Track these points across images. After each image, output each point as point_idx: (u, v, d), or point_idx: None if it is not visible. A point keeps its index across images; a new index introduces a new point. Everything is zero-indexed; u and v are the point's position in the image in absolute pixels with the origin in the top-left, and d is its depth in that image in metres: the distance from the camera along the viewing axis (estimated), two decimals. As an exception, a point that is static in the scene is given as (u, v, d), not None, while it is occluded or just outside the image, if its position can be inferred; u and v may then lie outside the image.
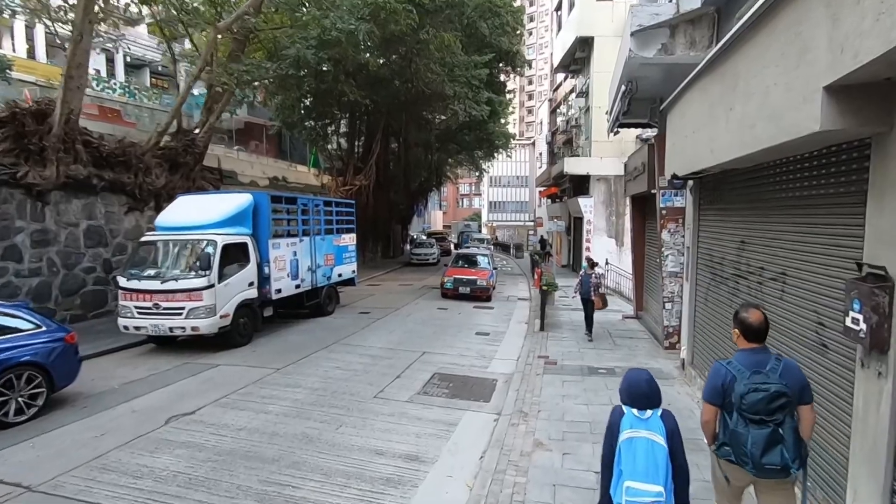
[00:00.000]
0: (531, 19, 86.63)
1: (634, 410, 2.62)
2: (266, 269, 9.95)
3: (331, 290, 12.84)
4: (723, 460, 2.87)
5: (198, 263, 8.41)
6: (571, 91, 28.62)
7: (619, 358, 8.56)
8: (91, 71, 23.23)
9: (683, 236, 8.65)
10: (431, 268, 26.88)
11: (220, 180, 15.16)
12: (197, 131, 13.44)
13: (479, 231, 55.57)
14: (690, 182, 7.92)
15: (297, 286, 11.08)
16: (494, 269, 16.70)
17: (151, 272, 8.73)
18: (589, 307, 10.17)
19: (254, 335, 9.77)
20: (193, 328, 8.45)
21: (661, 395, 2.70)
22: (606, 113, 12.27)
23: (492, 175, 74.46)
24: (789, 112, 3.28)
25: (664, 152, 8.12)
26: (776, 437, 2.58)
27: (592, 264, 10.77)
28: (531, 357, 8.64)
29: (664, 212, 8.77)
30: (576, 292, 10.77)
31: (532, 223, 47.91)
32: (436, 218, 78.39)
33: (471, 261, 17.15)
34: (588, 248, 21.93)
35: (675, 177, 6.60)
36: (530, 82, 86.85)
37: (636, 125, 12.20)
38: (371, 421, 5.82)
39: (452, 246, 37.39)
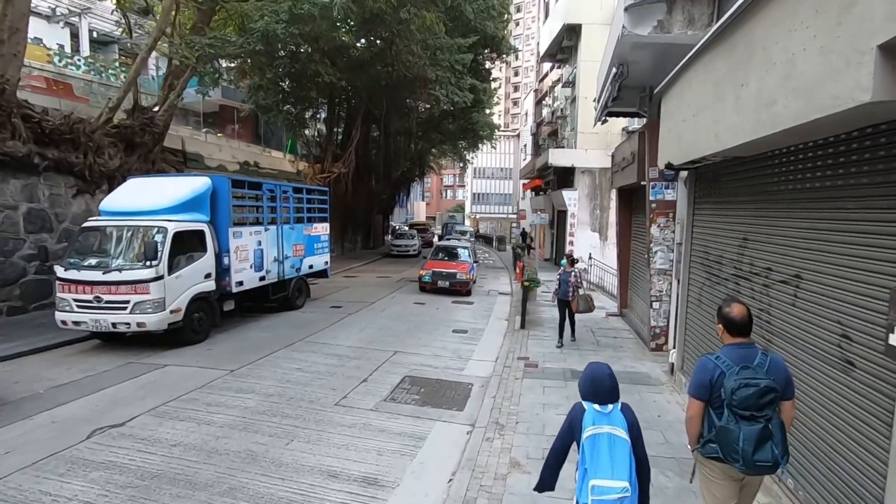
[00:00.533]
0: (518, 10, 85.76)
1: (596, 406, 2.61)
2: (226, 260, 9.15)
3: (300, 282, 12.07)
4: (706, 458, 2.79)
5: (145, 253, 7.57)
6: (557, 81, 28.04)
7: (604, 360, 8.04)
8: (53, 46, 21.75)
9: (674, 232, 8.14)
10: (412, 260, 26.16)
11: (184, 163, 14.19)
12: (156, 109, 12.44)
13: (464, 223, 54.98)
14: (684, 173, 7.39)
15: (262, 278, 10.29)
16: (475, 262, 16.09)
17: (93, 262, 7.86)
18: (566, 311, 8.98)
19: (211, 331, 9.00)
20: (139, 324, 7.64)
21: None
22: (594, 100, 11.69)
23: (476, 166, 73.86)
24: (825, 82, 2.68)
25: (656, 141, 7.56)
26: (766, 433, 2.54)
27: (572, 261, 9.53)
28: (510, 358, 8.06)
29: (654, 205, 8.24)
30: (554, 296, 9.29)
31: (515, 216, 47.41)
32: (419, 209, 77.56)
33: (451, 253, 16.52)
34: (572, 243, 21.50)
35: (669, 166, 6.03)
36: (516, 73, 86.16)
37: (625, 114, 11.67)
38: (328, 434, 5.16)
39: (435, 238, 36.68)
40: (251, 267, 9.90)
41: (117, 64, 30.86)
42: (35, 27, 25.46)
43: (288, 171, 20.59)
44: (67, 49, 27.59)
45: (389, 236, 37.67)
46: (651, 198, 8.22)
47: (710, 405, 2.72)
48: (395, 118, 25.86)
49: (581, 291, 8.90)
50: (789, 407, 2.70)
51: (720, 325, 2.84)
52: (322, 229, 13.12)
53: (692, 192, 6.49)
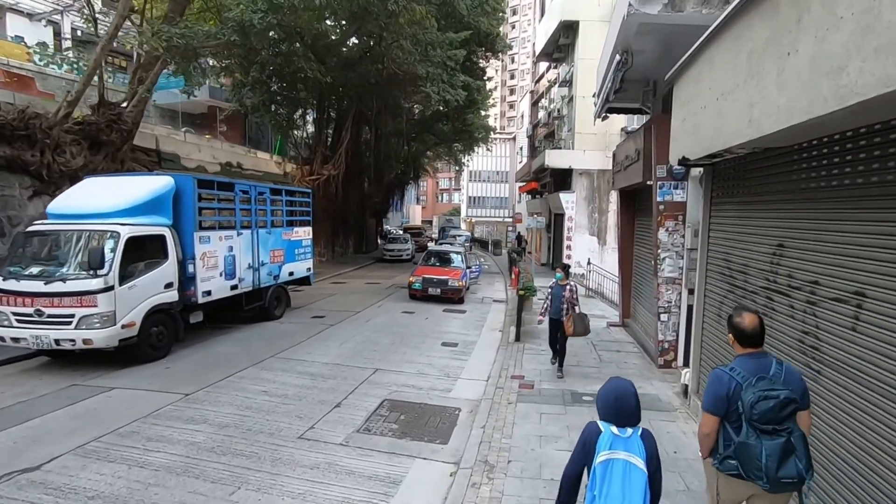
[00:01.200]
0: (514, 12, 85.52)
1: (614, 428, 2.31)
2: (191, 268, 8.31)
3: (279, 290, 11.23)
4: (724, 475, 2.61)
5: (90, 261, 6.72)
6: (554, 82, 27.38)
7: (607, 378, 7.27)
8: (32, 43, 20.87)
9: (683, 236, 7.37)
10: (405, 265, 25.32)
11: (159, 163, 13.35)
12: (125, 105, 11.61)
13: (461, 226, 54.08)
14: (696, 171, 6.63)
15: (234, 287, 9.45)
16: (468, 267, 15.30)
17: (35, 271, 7.01)
18: (559, 332, 7.42)
19: (174, 346, 8.15)
20: (85, 341, 6.79)
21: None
22: (594, 96, 10.94)
23: (471, 170, 73.23)
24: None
25: (666, 136, 6.80)
26: (789, 447, 2.40)
27: (567, 271, 8.02)
28: (503, 377, 7.24)
29: (662, 207, 7.47)
30: (544, 311, 7.72)
31: (511, 219, 46.63)
32: (415, 213, 76.85)
33: (443, 259, 15.71)
34: (569, 247, 20.74)
35: (683, 161, 5.25)
36: (512, 76, 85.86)
37: (626, 111, 10.92)
38: (284, 479, 4.33)
39: (431, 242, 35.81)
40: (221, 275, 9.05)
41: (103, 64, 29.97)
42: (16, 25, 24.48)
43: (274, 172, 19.77)
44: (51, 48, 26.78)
45: (382, 240, 36.82)
46: (658, 199, 7.45)
47: (725, 419, 2.57)
48: (386, 119, 25.13)
49: (577, 309, 7.38)
50: (806, 417, 2.56)
51: (731, 336, 2.73)
52: (304, 233, 12.29)
53: (709, 191, 5.72)
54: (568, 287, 7.53)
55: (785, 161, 3.98)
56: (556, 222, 23.96)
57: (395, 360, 8.12)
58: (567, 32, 20.98)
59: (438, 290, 13.81)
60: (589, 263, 16.16)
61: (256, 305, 10.34)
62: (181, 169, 13.97)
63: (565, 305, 7.41)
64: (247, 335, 9.61)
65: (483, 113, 36.07)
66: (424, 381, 7.16)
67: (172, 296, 7.98)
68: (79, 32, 29.26)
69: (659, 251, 7.52)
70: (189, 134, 16.91)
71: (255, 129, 26.74)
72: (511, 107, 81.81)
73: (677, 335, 7.56)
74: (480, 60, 23.59)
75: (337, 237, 28.22)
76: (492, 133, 40.14)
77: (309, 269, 12.53)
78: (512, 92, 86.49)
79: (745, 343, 2.64)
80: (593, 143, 20.31)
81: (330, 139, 25.43)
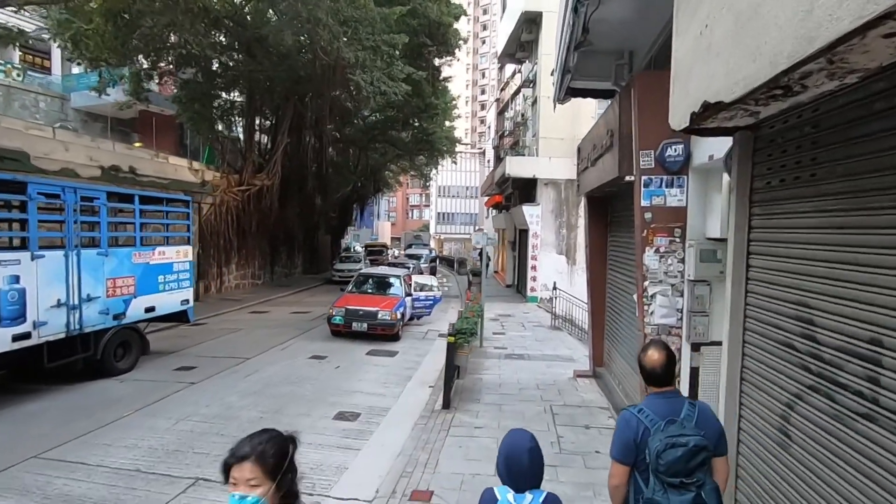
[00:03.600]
0: (484, 27, 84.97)
1: (510, 494, 1.94)
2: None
3: (127, 333, 8.12)
4: None
5: None
6: (519, 90, 25.20)
7: (578, 480, 4.48)
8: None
9: (683, 260, 4.73)
10: (351, 287, 22.25)
11: (-5, 163, 10.14)
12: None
13: (430, 242, 50.98)
14: (713, 149, 4.04)
15: (22, 336, 6.33)
16: (408, 295, 12.43)
17: None
18: None
19: None
20: None
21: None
22: (551, 73, 8.40)
23: (440, 185, 71.09)
24: None
25: (653, 101, 4.28)
26: (699, 502, 2.08)
27: None
28: (400, 495, 4.37)
29: (649, 216, 4.81)
30: None
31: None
32: (384, 229, 74.13)
33: (378, 283, 12.83)
34: (534, 267, 18.15)
35: (704, 111, 2.54)
36: (483, 91, 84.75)
37: (594, 93, 8.39)
38: None
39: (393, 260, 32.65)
40: (-6, 319, 5.96)
41: (17, 62, 26.51)
42: None
43: (187, 181, 16.63)
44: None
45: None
46: (643, 203, 4.80)
47: (635, 468, 2.23)
48: (330, 123, 22.31)
49: None
50: (722, 465, 2.26)
51: (641, 374, 2.36)
52: (178, 254, 9.24)
53: (747, 178, 3.02)
54: None
55: None
56: (521, 239, 21.43)
57: (242, 456, 5.14)
58: (530, 27, 18.75)
59: (365, 326, 10.88)
60: (554, 289, 13.51)
61: (77, 358, 7.21)
62: (32, 171, 10.77)
63: None
64: (49, 403, 6.49)
65: (448, 124, 33.82)
66: None
67: None
68: (-16, 25, 25.87)
69: (646, 284, 4.84)
70: (64, 130, 13.72)
71: (195, 138, 23.60)
72: (482, 122, 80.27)
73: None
74: (434, 58, 21.08)
75: (278, 256, 25.02)
76: (457, 145, 37.88)
77: (186, 302, 9.44)
78: (483, 107, 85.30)
79: (653, 382, 2.32)
80: (560, 150, 17.93)
81: (268, 146, 22.46)
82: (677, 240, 4.75)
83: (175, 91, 18.83)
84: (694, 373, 4.76)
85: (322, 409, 6.67)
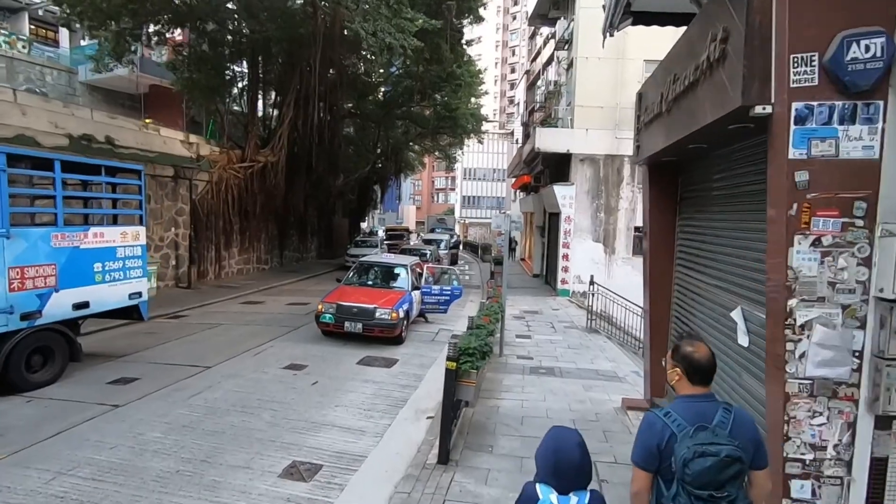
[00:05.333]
0: (514, 18, 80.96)
1: (554, 496, 1.82)
2: None
3: (46, 337, 6.39)
4: None
5: None
6: (552, 57, 22.53)
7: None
8: None
9: (868, 261, 2.51)
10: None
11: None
12: None
13: (454, 227, 48.20)
14: None
15: None
16: (416, 289, 10.43)
17: None
18: None
19: None
20: None
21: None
22: (604, 6, 6.05)
23: (465, 167, 68.67)
24: None
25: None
26: None
27: None
28: None
29: (802, 177, 2.59)
30: None
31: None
32: (409, 213, 72.60)
33: (381, 274, 10.89)
34: (566, 256, 15.86)
35: None
36: (513, 70, 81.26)
37: (661, 18, 5.98)
38: None
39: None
40: None
41: (26, 35, 25.51)
42: None
43: (179, 154, 14.99)
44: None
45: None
46: (794, 153, 2.58)
47: (659, 476, 2.03)
48: (338, 93, 20.23)
49: None
50: (763, 479, 2.04)
51: (677, 369, 2.13)
52: (124, 237, 7.47)
53: None
54: None
55: None
56: (551, 224, 19.09)
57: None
58: (566, -22, 16.14)
59: (359, 326, 8.96)
60: (592, 284, 11.26)
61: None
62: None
63: None
64: None
65: (473, 100, 31.37)
66: None
67: None
68: (-7, -4, 24.94)
69: (791, 303, 2.64)
70: (30, 93, 12.18)
71: (205, 115, 22.10)
72: (511, 102, 77.18)
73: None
74: (454, 17, 18.62)
75: (287, 240, 23.40)
76: (483, 122, 35.36)
77: (137, 296, 7.69)
78: (513, 86, 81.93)
79: (696, 380, 2.07)
80: (599, 120, 15.45)
81: (273, 121, 20.66)
82: (859, 223, 2.53)
83: (173, 57, 17.17)
84: (879, 465, 2.62)
85: (271, 455, 4.77)
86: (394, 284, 10.42)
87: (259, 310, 12.53)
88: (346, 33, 11.62)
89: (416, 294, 10.39)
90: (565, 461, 1.82)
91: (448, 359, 4.72)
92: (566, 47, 17.16)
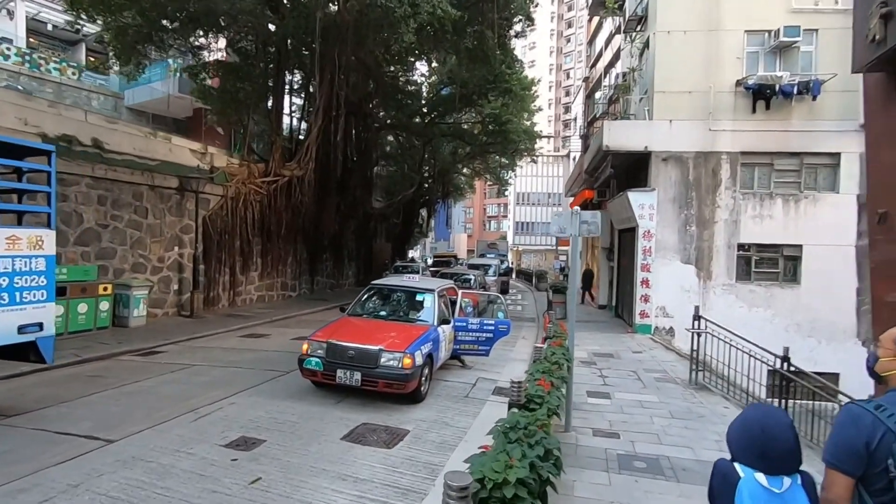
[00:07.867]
0: (569, 25, 79.12)
1: (761, 476, 1.56)
2: None
3: None
4: None
5: None
6: (616, 57, 19.56)
7: None
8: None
9: None
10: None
11: None
12: None
13: (507, 253, 44.38)
14: None
15: None
16: (445, 322, 7.53)
17: None
18: None
19: None
20: None
21: None
22: None
23: (518, 191, 65.77)
24: None
25: None
26: None
27: None
28: None
29: None
30: None
31: (556, 241, 37.57)
32: (460, 241, 70.38)
33: (398, 302, 8.11)
34: (645, 282, 12.40)
35: None
36: (567, 94, 78.56)
37: None
38: None
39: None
40: None
41: (83, 63, 26.02)
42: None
43: (185, 164, 13.22)
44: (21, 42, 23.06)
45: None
46: None
47: (863, 483, 1.66)
48: (376, 104, 18.18)
49: None
50: None
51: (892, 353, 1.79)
52: (11, 243, 5.17)
53: None
54: None
55: None
56: (622, 243, 15.67)
57: None
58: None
59: (357, 378, 6.12)
60: (698, 318, 7.85)
61: None
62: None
63: None
64: None
65: (526, 115, 28.82)
66: None
67: None
68: (50, 26, 25.66)
69: None
70: (12, 91, 10.75)
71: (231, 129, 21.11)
72: (566, 125, 74.15)
73: None
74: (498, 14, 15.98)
75: (320, 264, 21.27)
76: (537, 139, 32.55)
77: (37, 329, 5.32)
78: (567, 110, 78.98)
79: None
80: (686, 109, 12.17)
81: (301, 132, 18.89)
82: None
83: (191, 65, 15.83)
84: None
85: None
86: (414, 316, 7.57)
87: (255, 346, 10.06)
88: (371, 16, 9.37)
89: (445, 329, 7.50)
90: (776, 442, 1.58)
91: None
92: (638, 26, 14.13)
